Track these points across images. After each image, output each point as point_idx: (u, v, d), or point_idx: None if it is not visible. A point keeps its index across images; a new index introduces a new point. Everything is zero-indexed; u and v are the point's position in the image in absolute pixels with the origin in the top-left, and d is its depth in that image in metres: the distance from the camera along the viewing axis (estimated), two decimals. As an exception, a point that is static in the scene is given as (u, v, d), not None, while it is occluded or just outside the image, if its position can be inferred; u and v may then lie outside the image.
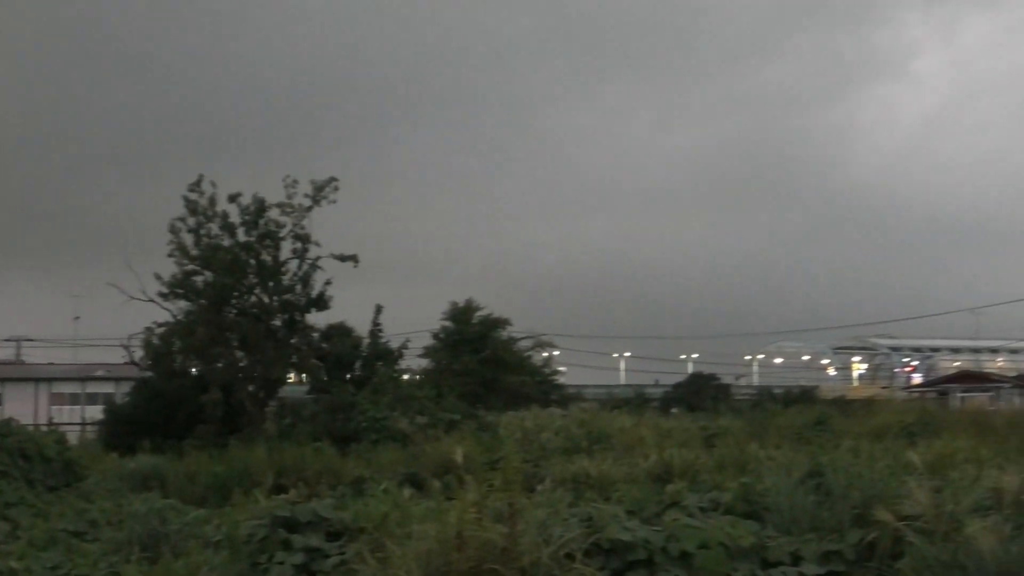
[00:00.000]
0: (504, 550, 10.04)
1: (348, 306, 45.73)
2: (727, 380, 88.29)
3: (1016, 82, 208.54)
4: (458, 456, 20.62)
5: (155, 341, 41.12)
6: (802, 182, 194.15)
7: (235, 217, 39.66)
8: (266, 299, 40.16)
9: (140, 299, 40.02)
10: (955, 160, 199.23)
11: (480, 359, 59.97)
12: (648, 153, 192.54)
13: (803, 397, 68.87)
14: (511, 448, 20.68)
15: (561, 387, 73.34)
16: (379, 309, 43.93)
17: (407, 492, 16.54)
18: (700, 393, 72.97)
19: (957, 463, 19.11)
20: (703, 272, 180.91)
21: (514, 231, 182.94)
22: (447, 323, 62.68)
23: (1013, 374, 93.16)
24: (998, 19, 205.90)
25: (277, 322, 40.65)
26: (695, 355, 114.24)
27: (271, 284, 39.90)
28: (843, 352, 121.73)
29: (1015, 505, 14.29)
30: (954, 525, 12.53)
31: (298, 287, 40.33)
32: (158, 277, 39.39)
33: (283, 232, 39.95)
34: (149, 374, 42.44)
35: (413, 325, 60.83)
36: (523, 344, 67.30)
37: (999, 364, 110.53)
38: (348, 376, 42.16)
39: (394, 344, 45.16)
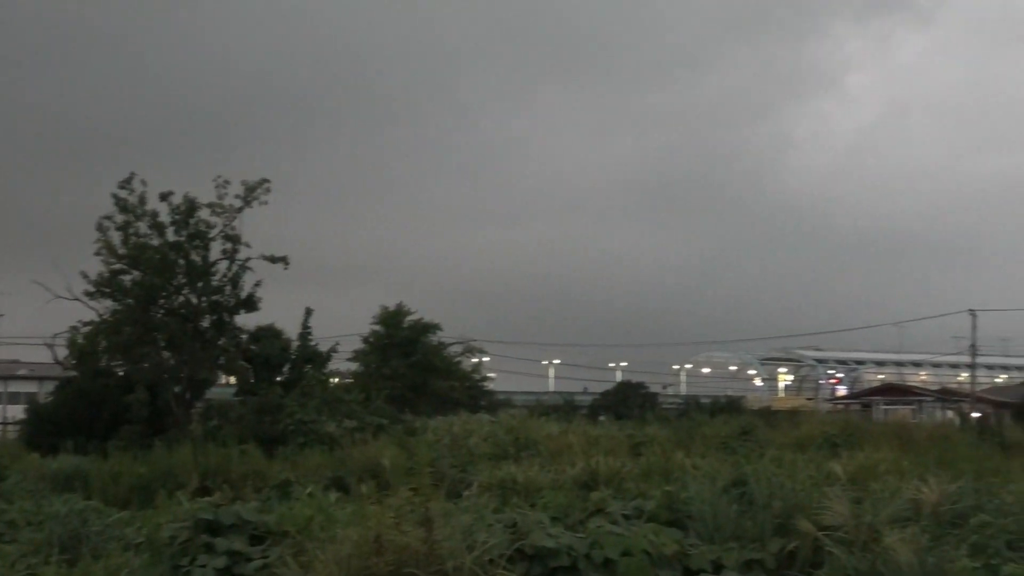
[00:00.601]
0: (425, 555, 10.05)
1: (278, 308, 45.47)
2: (655, 389, 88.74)
3: (946, 100, 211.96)
4: (385, 460, 20.60)
5: (80, 340, 40.60)
6: (736, 194, 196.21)
7: (165, 216, 39.27)
8: (194, 299, 39.79)
9: (65, 297, 39.50)
10: (886, 175, 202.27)
11: (409, 364, 59.95)
12: (583, 162, 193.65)
13: (729, 407, 69.34)
14: (426, 454, 20.68)
15: (490, 393, 73.42)
16: (309, 312, 43.76)
17: (333, 496, 16.51)
18: (628, 401, 73.23)
19: (879, 475, 19.34)
20: (634, 281, 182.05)
21: (448, 236, 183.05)
22: (377, 327, 62.55)
23: (935, 387, 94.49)
24: (931, 38, 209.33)
25: (205, 323, 40.28)
26: (624, 363, 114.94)
27: (200, 284, 39.53)
28: (770, 363, 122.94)
29: (933, 516, 14.55)
30: (873, 535, 12.72)
31: (227, 288, 39.98)
32: (84, 276, 38.90)
33: (213, 232, 39.59)
34: (73, 373, 41.86)
35: (344, 328, 60.78)
36: (453, 349, 67.34)
37: (922, 377, 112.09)
38: (276, 378, 41.89)
39: (323, 347, 44.98)
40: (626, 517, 14.32)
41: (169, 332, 39.63)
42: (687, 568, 12.45)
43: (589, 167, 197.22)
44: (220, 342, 40.79)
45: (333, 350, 45.90)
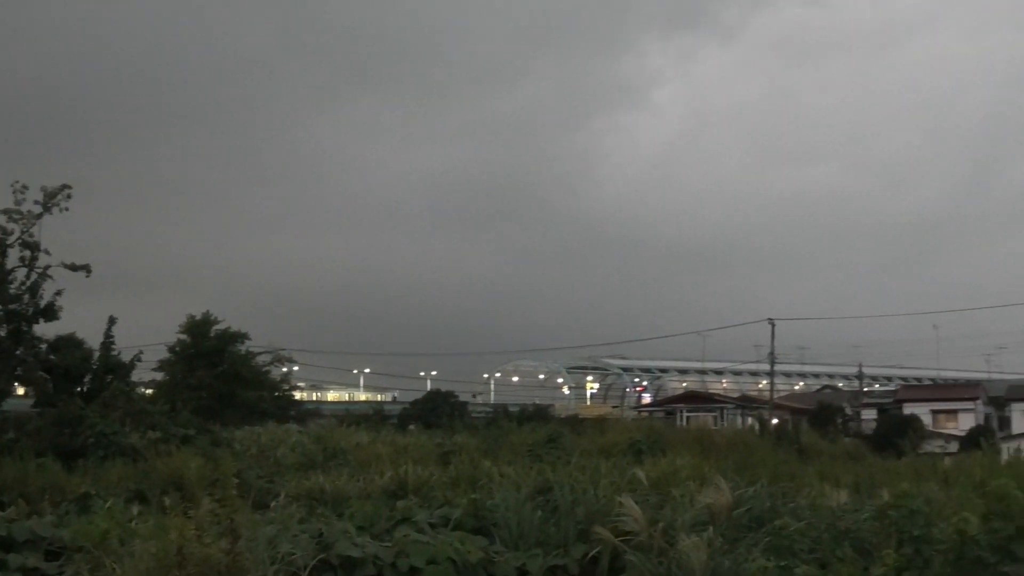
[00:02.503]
0: (227, 566, 9.96)
1: (81, 317, 44.27)
2: (464, 397, 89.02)
3: (747, 114, 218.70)
4: (190, 472, 20.25)
5: None
6: (546, 205, 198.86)
7: (-44, 223, 37.87)
8: (-11, 309, 38.45)
9: None
10: (691, 188, 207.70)
11: (216, 374, 58.91)
12: (394, 172, 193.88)
13: (537, 415, 70.04)
14: (232, 465, 20.41)
15: (299, 402, 72.64)
16: (112, 321, 42.65)
17: (135, 509, 16.19)
18: (437, 410, 73.33)
19: (680, 480, 19.81)
20: (444, 291, 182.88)
21: (258, 245, 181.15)
22: (183, 336, 61.30)
23: (736, 395, 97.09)
24: (733, 54, 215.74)
25: (2, 332, 38.95)
26: (434, 372, 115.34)
27: (-5, 293, 38.21)
28: (577, 372, 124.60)
29: (729, 520, 15.01)
30: (669, 540, 13.06)
31: (25, 297, 38.72)
32: None
33: (10, 239, 38.33)
34: None
35: (150, 338, 59.42)
36: (261, 359, 66.40)
37: (723, 385, 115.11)
38: (77, 389, 40.71)
39: (128, 357, 43.90)
40: (432, 525, 14.41)
41: (-38, 343, 38.22)
42: (492, 575, 12.60)
43: (400, 177, 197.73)
44: (17, 352, 39.48)
45: (137, 360, 44.87)
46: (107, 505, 16.55)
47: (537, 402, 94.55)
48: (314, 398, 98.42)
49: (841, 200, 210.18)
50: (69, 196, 38.83)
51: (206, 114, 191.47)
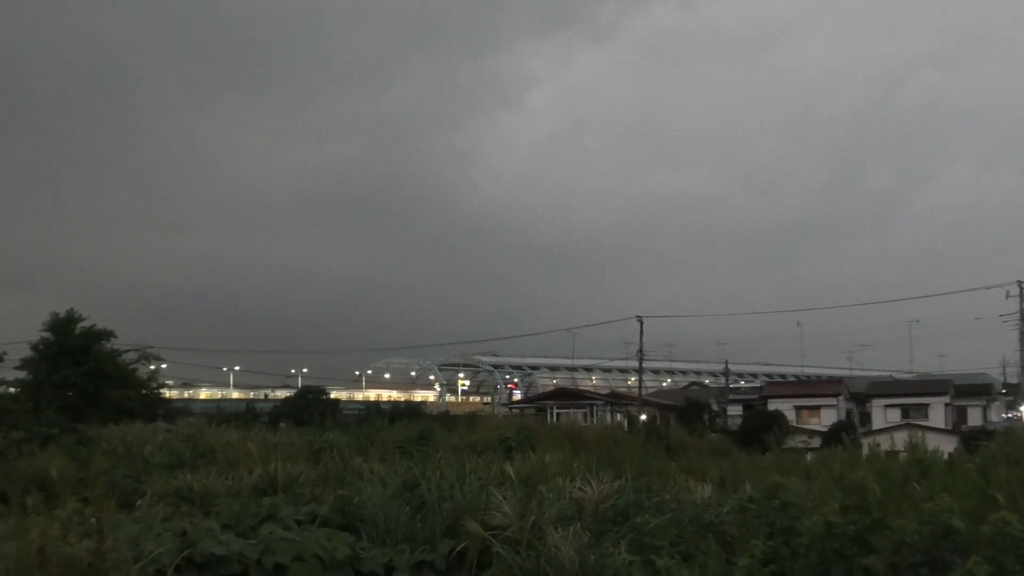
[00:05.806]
0: (90, 566, 9.86)
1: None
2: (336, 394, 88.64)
3: (620, 117, 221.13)
4: (53, 471, 19.95)
5: None
6: (420, 204, 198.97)
7: None
8: None
9: None
10: (564, 188, 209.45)
11: (82, 372, 57.86)
12: (266, 170, 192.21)
13: (409, 412, 70.09)
14: (98, 463, 20.16)
15: (168, 401, 71.63)
16: (-28, 318, 41.78)
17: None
18: (309, 407, 72.88)
19: (550, 476, 20.00)
20: (316, 288, 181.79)
21: (124, 242, 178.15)
22: (47, 334, 60.08)
23: (606, 391, 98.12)
24: (605, 55, 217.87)
25: None
26: (305, 369, 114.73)
27: None
28: (448, 368, 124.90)
29: (595, 515, 15.25)
30: (538, 535, 13.24)
31: None
32: None
33: None
34: None
35: (12, 336, 58.07)
36: (128, 357, 65.29)
37: (593, 382, 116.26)
38: (-65, 388, 39.80)
39: (-11, 355, 42.94)
40: (299, 522, 14.39)
41: None
42: (359, 571, 12.65)
43: (273, 175, 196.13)
44: None
45: (-1, 360, 43.94)
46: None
47: (409, 399, 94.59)
48: (185, 396, 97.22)
49: (709, 202, 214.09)
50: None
51: (70, 109, 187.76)
